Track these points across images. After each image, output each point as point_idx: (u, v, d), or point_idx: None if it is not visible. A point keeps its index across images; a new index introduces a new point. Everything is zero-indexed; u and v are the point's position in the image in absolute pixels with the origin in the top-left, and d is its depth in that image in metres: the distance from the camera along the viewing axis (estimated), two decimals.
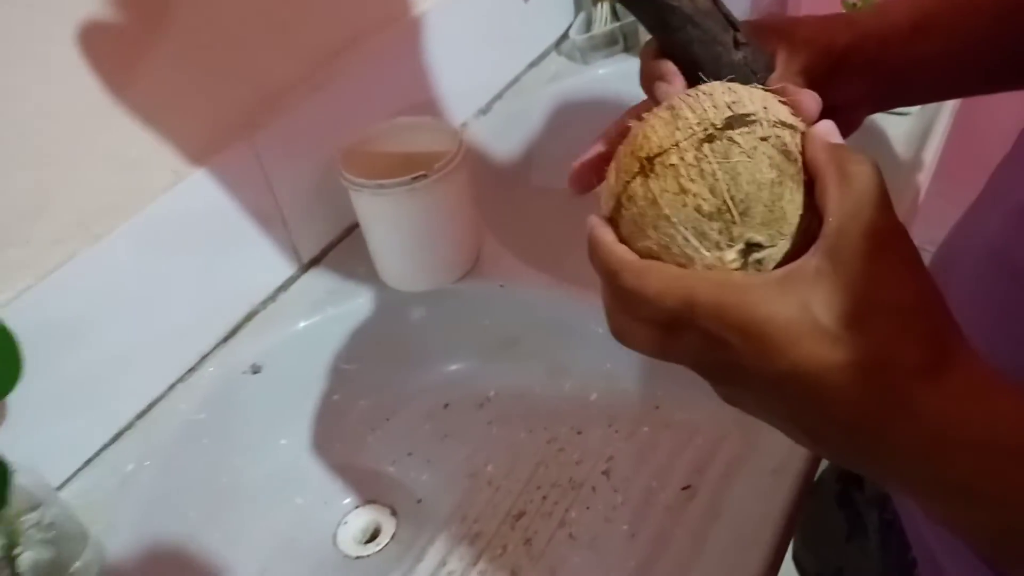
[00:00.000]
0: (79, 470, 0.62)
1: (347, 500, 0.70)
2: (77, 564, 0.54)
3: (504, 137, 0.93)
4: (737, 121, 0.31)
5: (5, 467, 0.46)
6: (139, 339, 0.63)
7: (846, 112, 0.43)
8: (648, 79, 0.41)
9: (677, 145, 0.31)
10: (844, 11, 0.43)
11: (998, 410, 0.27)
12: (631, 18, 1.03)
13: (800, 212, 0.31)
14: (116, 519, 0.59)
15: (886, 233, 0.28)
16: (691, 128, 0.31)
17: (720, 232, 0.31)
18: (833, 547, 0.62)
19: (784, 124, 0.32)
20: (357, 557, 0.66)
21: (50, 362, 0.56)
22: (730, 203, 0.31)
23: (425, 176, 0.66)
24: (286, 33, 0.69)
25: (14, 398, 0.52)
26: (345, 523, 0.69)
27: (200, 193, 0.64)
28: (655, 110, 0.33)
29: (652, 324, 0.31)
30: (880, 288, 0.27)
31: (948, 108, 0.85)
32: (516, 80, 0.99)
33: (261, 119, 0.68)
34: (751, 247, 0.31)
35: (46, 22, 0.53)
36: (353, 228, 0.79)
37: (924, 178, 0.78)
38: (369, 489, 0.71)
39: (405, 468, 0.72)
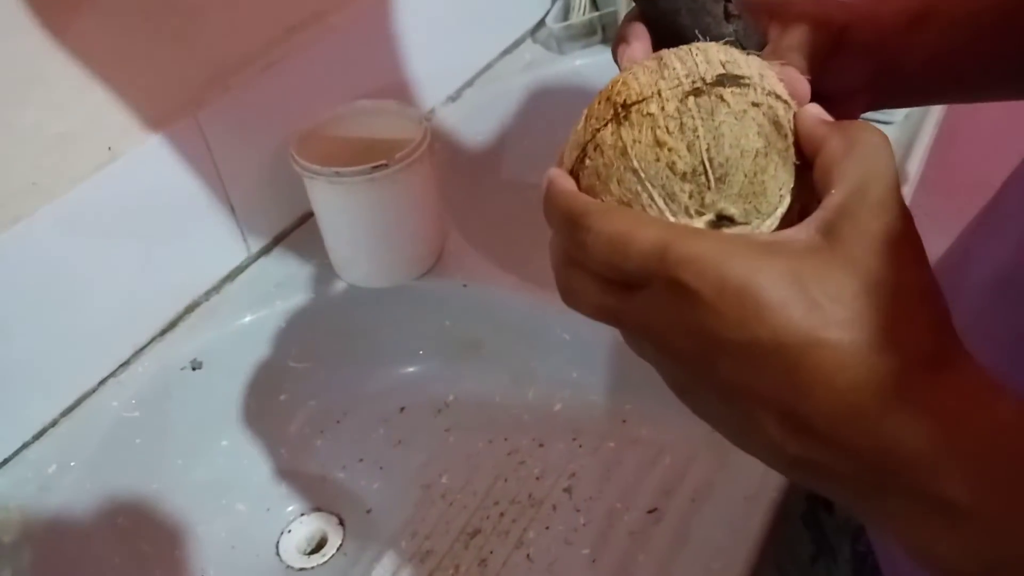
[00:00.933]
0: None
1: (291, 507, 0.66)
2: None
3: (473, 126, 0.89)
4: (729, 80, 0.28)
5: None
6: (65, 331, 0.58)
7: (841, 102, 0.40)
8: (615, 41, 0.37)
9: (659, 94, 0.28)
10: None
11: (1000, 414, 0.24)
12: (610, 8, 0.99)
13: (781, 193, 0.28)
14: (34, 526, 0.54)
15: (894, 212, 0.25)
16: (678, 79, 0.28)
17: (691, 196, 0.28)
18: (797, 567, 0.59)
19: (779, 97, 0.29)
20: (300, 568, 0.62)
21: None
22: (707, 164, 0.27)
23: (386, 165, 0.61)
24: (240, 3, 0.64)
25: None
26: (289, 531, 0.65)
27: (138, 173, 0.59)
28: (642, 60, 0.30)
29: (610, 277, 0.27)
30: (885, 268, 0.24)
31: (933, 119, 0.83)
32: (488, 67, 0.94)
33: (210, 95, 0.63)
34: (722, 219, 0.28)
35: None
36: (307, 217, 0.75)
37: (907, 190, 0.75)
38: (316, 496, 0.66)
39: (355, 475, 0.67)
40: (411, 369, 0.73)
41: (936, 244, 0.42)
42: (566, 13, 0.99)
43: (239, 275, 0.70)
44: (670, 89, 0.28)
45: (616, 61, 0.37)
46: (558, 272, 0.29)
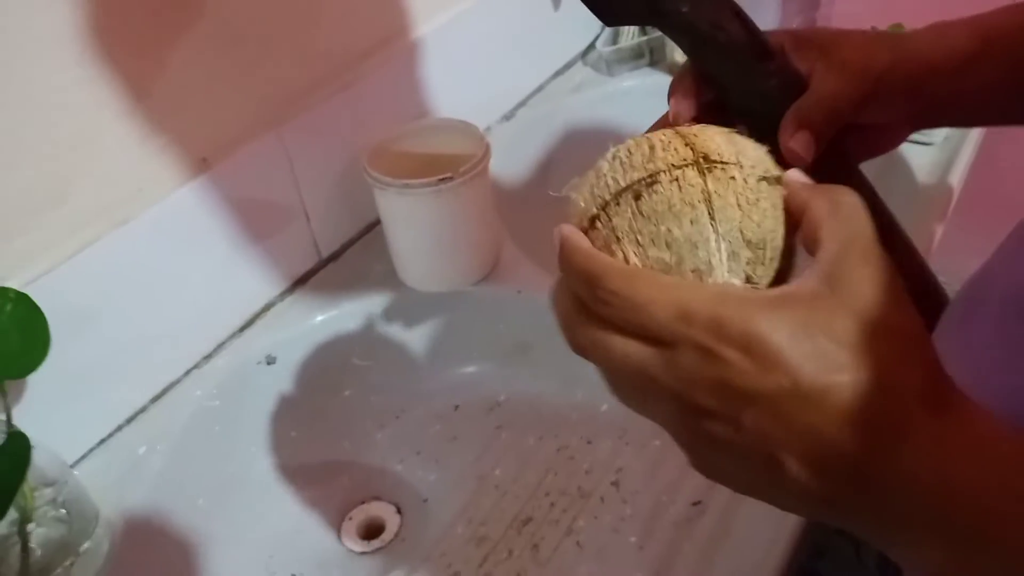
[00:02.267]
0: (92, 450, 0.62)
1: (353, 496, 0.70)
2: (87, 544, 0.54)
3: (527, 144, 0.94)
4: (772, 180, 0.31)
5: (25, 441, 0.46)
6: (158, 324, 0.63)
7: (885, 131, 0.44)
8: (671, 90, 0.42)
9: (740, 166, 0.31)
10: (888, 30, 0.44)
11: (1001, 448, 0.26)
12: (658, 33, 1.03)
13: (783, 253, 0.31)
14: (125, 501, 0.59)
15: (879, 262, 0.28)
16: (752, 162, 0.31)
17: (748, 263, 0.30)
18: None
19: (776, 179, 0.32)
20: (361, 552, 0.66)
21: (69, 343, 0.56)
22: (767, 244, 0.30)
23: (451, 178, 0.66)
24: (319, 29, 0.70)
25: (33, 376, 0.53)
26: (350, 518, 0.69)
27: (227, 182, 0.65)
28: (708, 127, 0.33)
29: (634, 337, 0.28)
30: (881, 313, 0.26)
31: (973, 140, 0.85)
32: (541, 88, 0.99)
33: (291, 113, 0.68)
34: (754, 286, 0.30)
35: (83, 6, 0.53)
36: (373, 226, 0.80)
37: (946, 209, 0.78)
38: (375, 486, 0.71)
39: (412, 467, 0.72)
40: (466, 370, 0.78)
41: (971, 263, 0.45)
42: (615, 37, 1.04)
43: (311, 278, 0.75)
44: (750, 167, 0.31)
45: (669, 98, 0.42)
46: (571, 326, 0.30)
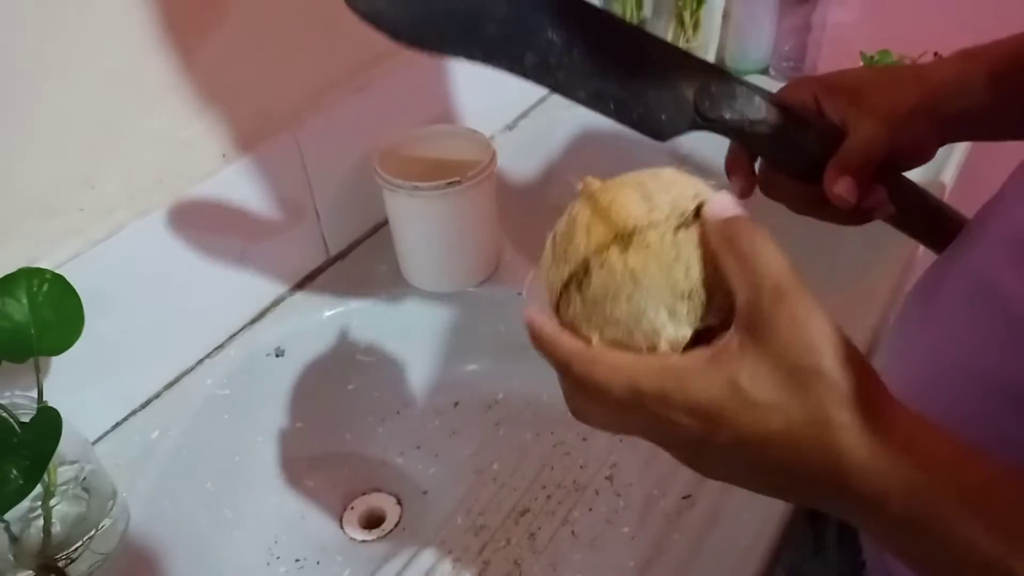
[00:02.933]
0: (107, 433, 0.64)
1: (355, 486, 0.73)
2: (105, 521, 0.56)
3: (527, 153, 0.97)
4: (687, 221, 0.34)
5: (56, 415, 0.48)
6: (174, 313, 0.66)
7: (916, 151, 0.47)
8: (728, 168, 0.49)
9: (654, 226, 0.33)
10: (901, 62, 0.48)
11: (927, 457, 0.29)
12: None
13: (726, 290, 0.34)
14: (139, 482, 0.62)
15: (793, 303, 0.30)
16: (664, 212, 0.33)
17: (688, 312, 0.33)
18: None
19: (696, 214, 0.34)
20: (363, 540, 0.69)
21: (91, 326, 0.59)
22: (701, 288, 0.33)
23: (459, 182, 0.69)
24: (335, 33, 0.72)
25: (55, 358, 0.55)
26: (352, 508, 0.72)
27: (244, 178, 0.67)
28: (622, 186, 0.35)
29: (606, 406, 0.33)
30: (797, 356, 0.30)
31: (960, 149, 0.89)
32: (542, 100, 1.03)
33: (306, 114, 0.71)
34: (707, 327, 0.34)
35: (115, 7, 0.55)
36: (380, 227, 0.83)
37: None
38: (376, 478, 0.73)
39: (412, 460, 0.74)
40: (466, 368, 0.80)
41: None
42: None
43: (319, 275, 0.78)
44: (664, 222, 0.33)
45: (728, 175, 0.48)
46: (565, 397, 0.36)
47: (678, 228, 0.33)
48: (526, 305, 0.38)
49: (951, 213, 0.51)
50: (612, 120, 0.45)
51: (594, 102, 0.44)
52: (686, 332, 0.33)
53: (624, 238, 0.33)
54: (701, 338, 0.34)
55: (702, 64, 0.46)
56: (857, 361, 0.30)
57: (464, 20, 0.41)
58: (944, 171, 0.86)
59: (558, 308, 0.36)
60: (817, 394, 0.30)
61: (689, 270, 0.33)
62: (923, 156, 0.48)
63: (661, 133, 0.45)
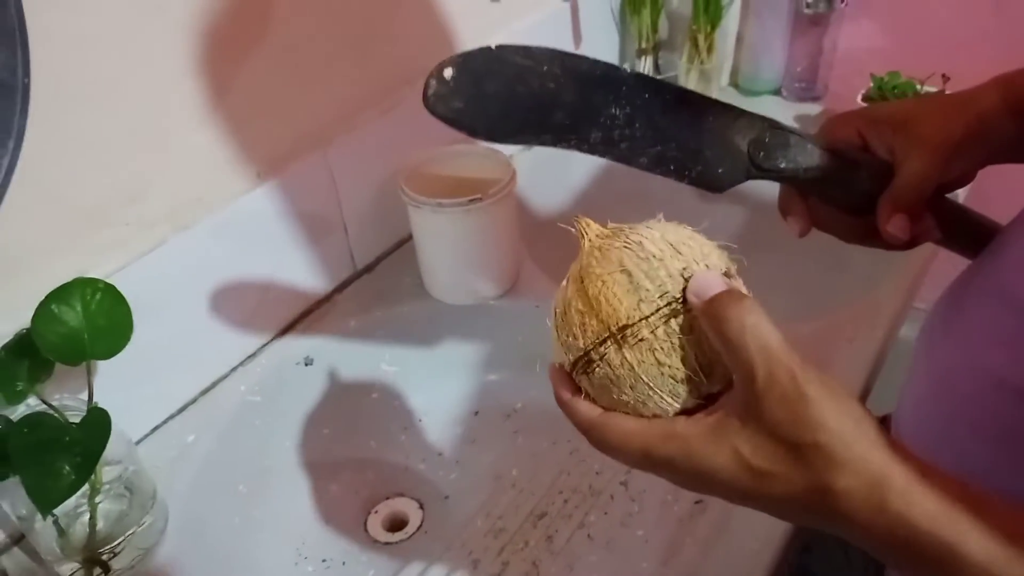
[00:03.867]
0: (146, 436, 0.67)
1: (378, 490, 0.75)
2: (146, 519, 0.60)
3: (544, 172, 1.00)
4: (676, 310, 0.36)
5: (106, 415, 0.52)
6: (210, 322, 0.69)
7: (963, 178, 0.49)
8: (783, 210, 0.51)
9: (647, 320, 0.35)
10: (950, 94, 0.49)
11: (926, 515, 0.31)
12: (672, 72, 1.10)
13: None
14: (176, 484, 0.65)
15: (783, 385, 0.32)
16: (654, 301, 0.36)
17: (689, 392, 0.36)
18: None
19: (728, 274, 0.37)
20: (386, 543, 0.72)
21: (133, 334, 0.62)
22: (698, 369, 0.36)
23: (480, 199, 0.72)
24: (363, 58, 0.76)
25: (101, 364, 0.59)
26: (375, 512, 0.74)
27: (277, 196, 0.71)
28: (611, 273, 0.37)
29: (623, 460, 0.38)
30: (795, 434, 0.32)
31: None
32: None
33: (336, 134, 0.75)
34: (710, 396, 0.37)
35: (164, 32, 0.60)
36: (404, 242, 0.86)
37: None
38: (399, 483, 0.76)
39: (434, 466, 0.77)
40: (486, 378, 0.83)
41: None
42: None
43: (346, 288, 0.81)
44: (654, 314, 0.35)
45: (783, 216, 0.51)
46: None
47: (669, 318, 0.36)
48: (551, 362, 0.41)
49: (989, 224, 0.53)
50: (672, 179, 0.47)
51: (654, 166, 0.46)
52: (690, 405, 0.37)
53: (620, 335, 0.36)
54: (709, 397, 0.37)
55: (754, 117, 0.48)
56: (855, 422, 0.32)
57: (536, 112, 0.43)
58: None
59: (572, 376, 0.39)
60: (816, 467, 0.32)
61: (685, 356, 0.36)
62: (966, 180, 0.49)
63: (719, 187, 0.48)
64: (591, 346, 0.36)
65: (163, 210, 0.64)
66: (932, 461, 0.34)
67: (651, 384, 0.36)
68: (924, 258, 0.83)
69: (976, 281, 0.47)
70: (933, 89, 0.96)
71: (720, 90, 1.14)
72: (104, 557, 0.58)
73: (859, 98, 0.98)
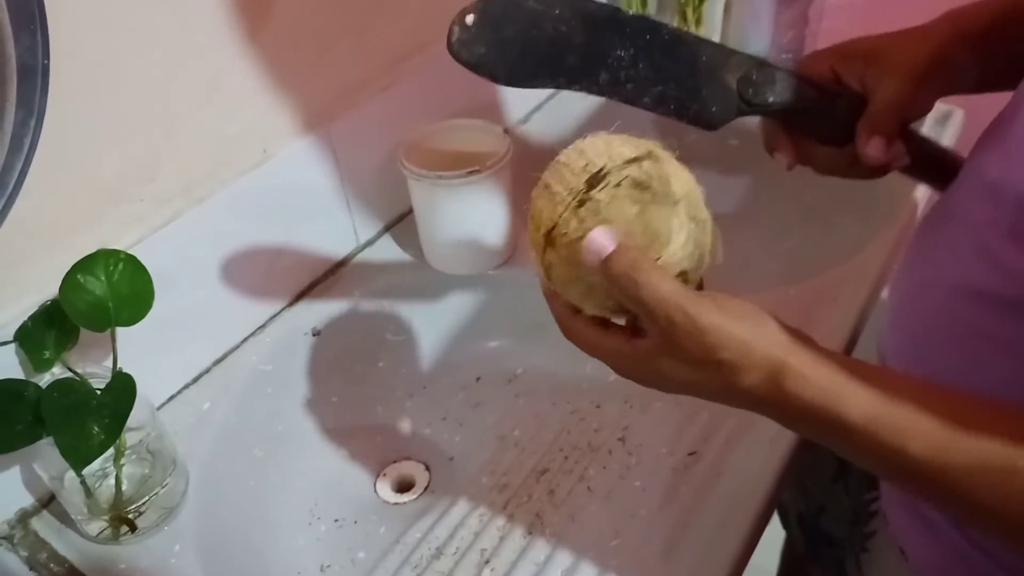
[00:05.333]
0: (164, 404, 0.70)
1: (386, 454, 0.79)
2: (168, 482, 0.63)
3: (539, 145, 1.03)
4: (594, 180, 0.40)
5: (131, 380, 0.55)
6: (223, 294, 0.72)
7: (927, 105, 0.53)
8: (768, 146, 0.55)
9: (562, 218, 0.40)
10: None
11: (815, 389, 0.38)
12: None
13: (667, 222, 0.40)
14: (194, 449, 0.68)
15: (682, 325, 0.39)
16: (564, 199, 0.41)
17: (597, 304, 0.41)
18: (820, 486, 0.70)
19: (629, 161, 0.41)
20: (395, 503, 0.75)
21: (153, 306, 0.65)
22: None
23: (479, 171, 0.75)
24: (363, 37, 0.79)
25: (122, 332, 0.61)
26: (384, 475, 0.78)
27: (283, 171, 0.74)
28: (536, 189, 0.44)
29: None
30: (702, 358, 0.40)
31: (952, 131, 0.95)
32: (554, 95, 1.09)
33: (337, 111, 0.78)
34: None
35: (175, 14, 0.62)
36: (405, 215, 0.89)
37: (922, 195, 0.87)
38: (406, 446, 0.79)
39: (439, 430, 0.80)
40: (487, 345, 0.86)
41: None
42: None
43: (350, 261, 0.84)
44: (564, 210, 0.41)
45: (768, 150, 0.55)
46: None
47: (577, 208, 0.40)
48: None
49: (953, 156, 0.56)
50: (672, 119, 0.50)
51: (656, 105, 0.50)
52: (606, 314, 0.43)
53: (548, 237, 0.42)
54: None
55: (742, 55, 0.51)
56: (751, 330, 0.39)
57: (550, 56, 0.46)
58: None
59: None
60: (724, 374, 0.40)
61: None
62: (927, 109, 0.53)
63: (713, 124, 0.51)
64: (540, 258, 0.43)
65: (177, 186, 0.66)
66: (911, 372, 0.41)
67: (581, 269, 0.41)
68: (905, 221, 0.86)
69: (940, 210, 0.51)
70: None
71: None
72: (130, 516, 0.61)
73: None
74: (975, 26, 0.52)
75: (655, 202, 0.40)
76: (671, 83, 0.49)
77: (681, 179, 0.42)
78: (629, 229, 0.40)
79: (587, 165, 0.41)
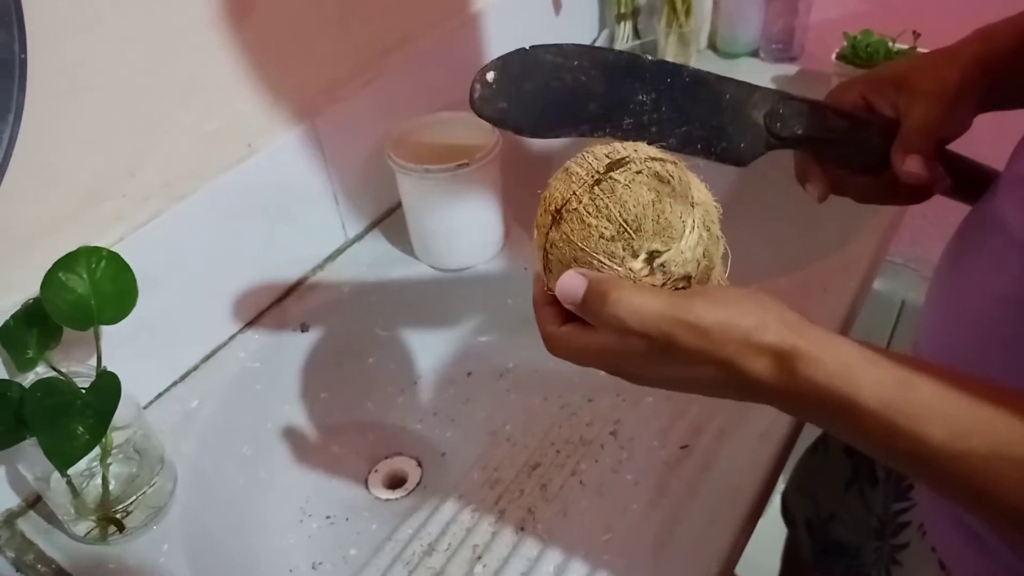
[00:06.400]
0: (152, 402, 0.70)
1: (377, 450, 0.78)
2: (156, 481, 0.62)
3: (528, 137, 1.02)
4: (615, 164, 0.40)
5: (115, 379, 0.54)
6: (209, 291, 0.71)
7: (961, 125, 0.52)
8: (800, 178, 0.54)
9: (575, 194, 0.40)
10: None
11: (827, 373, 0.36)
12: (652, 37, 1.12)
13: (683, 219, 0.40)
14: (182, 447, 0.67)
15: (676, 331, 0.38)
16: (582, 179, 0.40)
17: (624, 249, 0.39)
18: (831, 493, 0.70)
19: (654, 158, 0.40)
20: (387, 500, 0.74)
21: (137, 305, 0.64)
22: (625, 225, 0.39)
23: (467, 164, 0.74)
24: (346, 30, 0.78)
25: (107, 330, 0.61)
26: (376, 471, 0.77)
27: (268, 166, 0.73)
28: (556, 173, 0.42)
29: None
30: (708, 355, 0.38)
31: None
32: None
33: (323, 105, 0.77)
34: (652, 255, 0.40)
35: (154, 10, 0.61)
36: (394, 209, 0.88)
37: None
38: (397, 442, 0.79)
39: (430, 426, 0.80)
40: (478, 340, 0.86)
41: (934, 249, 0.54)
42: (611, 41, 1.12)
43: (339, 256, 0.84)
44: (580, 188, 0.40)
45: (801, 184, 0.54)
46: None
47: (593, 186, 0.39)
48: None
49: (988, 170, 0.56)
50: (699, 158, 0.50)
51: (683, 146, 0.49)
52: (632, 265, 0.40)
53: (557, 216, 0.41)
54: (651, 256, 0.40)
55: (766, 90, 0.51)
56: (757, 319, 0.38)
57: (572, 106, 0.46)
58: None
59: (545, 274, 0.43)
60: (730, 368, 0.38)
61: (610, 215, 0.39)
62: (964, 128, 0.52)
63: (743, 160, 0.51)
64: (544, 239, 0.41)
65: (158, 183, 0.65)
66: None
67: (585, 248, 0.39)
68: (894, 215, 0.86)
69: (975, 217, 0.51)
70: (904, 46, 0.99)
71: (699, 53, 1.16)
72: (118, 516, 0.60)
73: (833, 56, 1.00)
74: (1005, 45, 0.51)
75: (672, 196, 0.39)
76: (696, 123, 0.49)
77: (701, 191, 0.42)
78: (642, 213, 0.39)
79: (611, 152, 0.40)
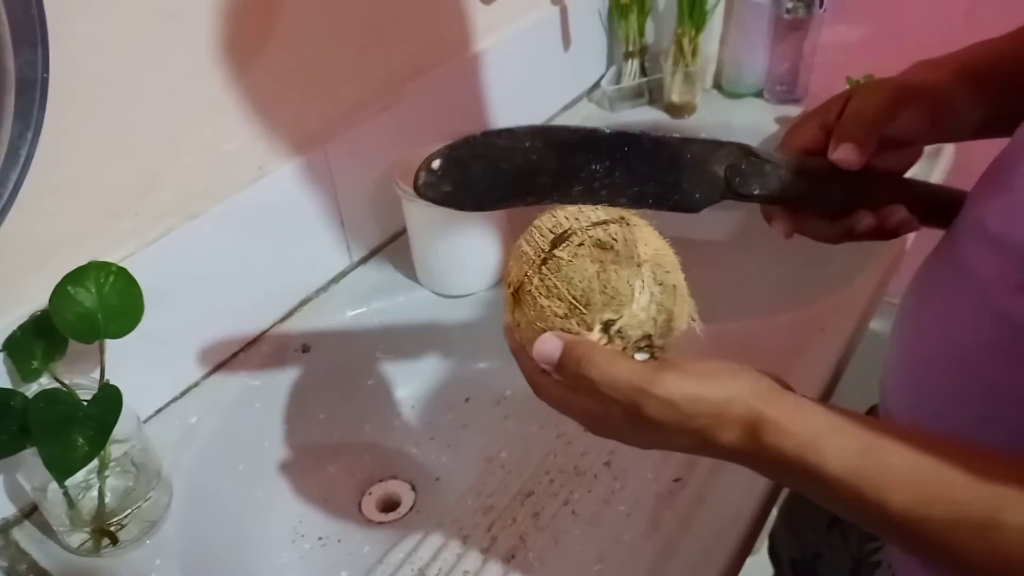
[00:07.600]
0: (151, 416, 0.70)
1: (373, 473, 0.79)
2: (151, 495, 0.63)
3: None
4: (559, 239, 0.42)
5: (117, 391, 0.55)
6: (213, 309, 0.72)
7: (907, 149, 0.53)
8: (765, 217, 0.55)
9: (527, 276, 0.42)
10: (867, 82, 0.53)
11: (794, 443, 0.38)
12: (657, 74, 1.14)
13: (630, 283, 0.41)
14: (180, 462, 0.68)
15: (645, 400, 0.39)
16: (531, 259, 0.42)
17: (579, 324, 0.41)
18: (815, 532, 0.70)
19: (596, 223, 0.42)
20: (380, 523, 0.75)
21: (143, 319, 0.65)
22: (574, 301, 0.41)
23: None
24: (364, 58, 0.80)
25: (110, 344, 0.62)
26: (369, 494, 0.78)
27: (278, 189, 0.74)
28: (512, 251, 0.45)
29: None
30: (678, 424, 0.40)
31: (948, 154, 0.96)
32: (550, 120, 1.10)
33: (335, 131, 0.78)
34: (607, 324, 0.41)
35: (175, 33, 0.63)
36: (398, 235, 0.89)
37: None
38: (393, 465, 0.79)
39: (426, 451, 0.80)
40: (476, 366, 0.86)
41: None
42: (618, 77, 1.14)
43: (343, 278, 0.85)
44: (530, 269, 0.42)
45: (768, 223, 0.55)
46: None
47: (541, 266, 0.42)
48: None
49: (955, 194, 0.55)
50: (651, 210, 0.49)
51: (634, 204, 0.48)
52: (589, 335, 0.41)
53: (517, 296, 0.44)
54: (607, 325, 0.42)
55: (732, 145, 0.50)
56: (728, 392, 0.39)
57: (519, 181, 0.46)
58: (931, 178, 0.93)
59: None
60: (703, 435, 0.40)
61: (560, 293, 0.41)
62: (912, 153, 0.53)
63: (695, 208, 0.50)
64: (511, 315, 0.44)
65: (172, 201, 0.67)
66: (913, 416, 0.42)
67: (545, 328, 0.41)
68: (895, 254, 0.87)
69: (944, 249, 0.51)
70: None
71: (704, 92, 1.18)
72: (112, 529, 0.61)
73: None
74: (980, 64, 0.52)
75: (616, 262, 0.41)
76: (650, 183, 0.48)
77: (651, 243, 0.42)
78: (588, 287, 0.40)
79: (555, 227, 0.42)
